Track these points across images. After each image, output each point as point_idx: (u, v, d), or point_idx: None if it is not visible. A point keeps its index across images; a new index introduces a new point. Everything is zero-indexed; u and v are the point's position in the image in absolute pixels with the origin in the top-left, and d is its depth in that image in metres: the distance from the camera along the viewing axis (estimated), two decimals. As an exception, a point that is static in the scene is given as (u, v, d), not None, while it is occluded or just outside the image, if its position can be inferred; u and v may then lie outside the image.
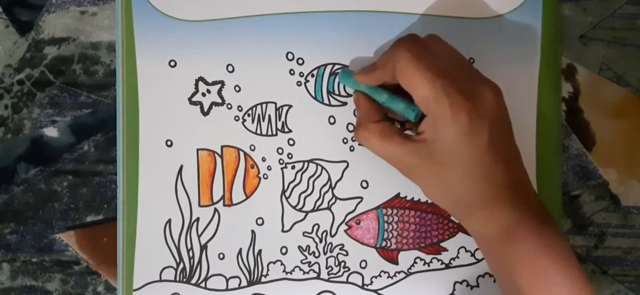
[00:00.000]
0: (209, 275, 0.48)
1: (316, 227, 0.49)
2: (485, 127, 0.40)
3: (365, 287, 0.49)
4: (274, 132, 0.48)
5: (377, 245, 0.49)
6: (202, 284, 0.48)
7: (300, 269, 0.49)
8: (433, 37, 0.44)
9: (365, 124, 0.44)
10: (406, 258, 0.49)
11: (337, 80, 0.48)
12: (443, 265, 0.49)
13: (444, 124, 0.40)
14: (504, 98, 0.44)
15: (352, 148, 0.48)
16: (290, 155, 0.48)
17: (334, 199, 0.49)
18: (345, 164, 0.48)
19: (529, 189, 0.42)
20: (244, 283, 0.49)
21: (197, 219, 0.48)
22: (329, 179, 0.48)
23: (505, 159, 0.41)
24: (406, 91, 0.42)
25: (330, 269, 0.49)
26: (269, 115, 0.48)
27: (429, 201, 0.49)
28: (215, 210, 0.48)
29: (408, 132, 0.45)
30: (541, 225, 0.41)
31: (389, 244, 0.49)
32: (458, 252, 0.49)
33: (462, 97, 0.40)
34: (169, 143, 0.48)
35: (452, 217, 0.49)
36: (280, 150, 0.48)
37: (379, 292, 0.49)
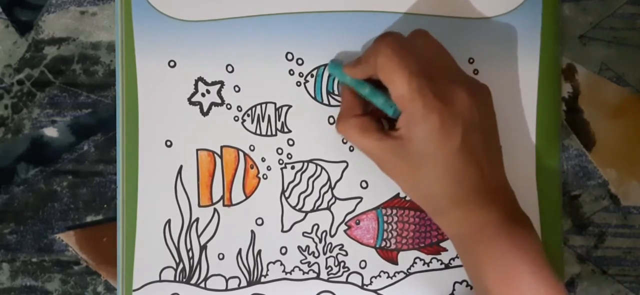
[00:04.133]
0: (208, 275, 0.48)
1: (316, 227, 0.49)
2: (457, 129, 0.40)
3: (364, 287, 0.49)
4: (274, 133, 0.48)
5: (377, 246, 0.49)
6: (202, 284, 0.48)
7: (300, 269, 0.49)
8: (420, 33, 0.44)
9: (345, 117, 0.44)
10: (406, 258, 0.49)
11: (336, 80, 0.48)
12: (443, 266, 0.49)
13: (417, 123, 0.40)
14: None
15: (351, 148, 0.48)
16: (289, 156, 0.48)
17: (333, 199, 0.49)
18: (345, 164, 0.48)
19: (504, 191, 0.43)
20: (244, 283, 0.49)
21: (197, 219, 0.48)
22: (329, 179, 0.48)
23: (479, 162, 0.41)
24: None
25: (329, 269, 0.49)
26: (269, 116, 0.48)
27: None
28: (215, 210, 0.48)
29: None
30: (513, 227, 0.41)
31: (388, 244, 0.49)
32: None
33: (436, 98, 0.40)
34: (168, 143, 0.48)
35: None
36: (279, 151, 0.48)
37: (378, 292, 0.49)
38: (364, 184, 0.49)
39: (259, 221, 0.49)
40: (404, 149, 0.41)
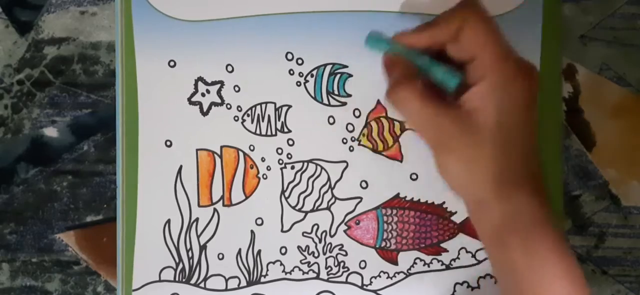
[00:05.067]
0: (208, 275, 0.48)
1: (315, 227, 0.49)
2: (536, 104, 0.40)
3: (364, 287, 0.49)
4: (274, 132, 0.48)
5: (377, 246, 0.49)
6: (202, 284, 0.48)
7: (300, 269, 0.49)
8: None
9: (405, 83, 0.40)
10: (406, 258, 0.49)
11: (337, 80, 0.48)
12: (443, 266, 0.49)
13: (505, 90, 0.38)
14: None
15: (351, 148, 0.48)
16: (289, 156, 0.48)
17: (333, 199, 0.49)
18: (345, 164, 0.48)
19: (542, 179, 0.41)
20: (244, 283, 0.49)
21: (197, 219, 0.48)
22: (329, 179, 0.48)
23: (538, 144, 0.40)
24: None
25: (329, 269, 0.49)
26: (269, 116, 0.48)
27: (429, 201, 0.49)
28: (215, 210, 0.48)
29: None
30: (550, 216, 0.40)
31: (388, 244, 0.49)
32: (458, 253, 0.49)
33: (526, 69, 0.39)
34: (168, 143, 0.48)
35: (452, 218, 0.49)
36: (279, 151, 0.48)
37: (378, 292, 0.49)
38: (363, 184, 0.49)
39: (259, 221, 0.48)
40: (473, 121, 0.39)
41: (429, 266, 0.49)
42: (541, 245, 0.39)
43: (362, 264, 0.49)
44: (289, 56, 0.48)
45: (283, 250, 0.49)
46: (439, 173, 0.41)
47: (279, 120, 0.48)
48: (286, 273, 0.49)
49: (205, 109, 0.48)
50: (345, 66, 0.48)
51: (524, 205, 0.40)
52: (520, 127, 0.39)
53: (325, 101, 0.48)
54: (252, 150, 0.48)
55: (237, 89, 0.48)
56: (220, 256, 0.48)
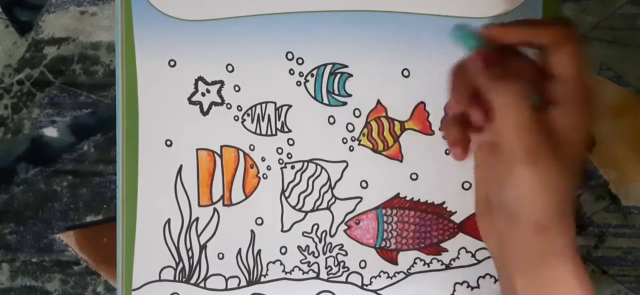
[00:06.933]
0: (208, 275, 0.48)
1: (315, 227, 0.49)
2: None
3: (364, 287, 0.49)
4: (274, 132, 0.48)
5: (377, 246, 0.49)
6: (202, 284, 0.48)
7: (300, 269, 0.49)
8: None
9: (515, 79, 0.38)
10: (406, 258, 0.49)
11: (337, 80, 0.48)
12: (443, 266, 0.49)
13: (585, 113, 0.38)
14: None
15: (351, 148, 0.48)
16: (289, 155, 0.48)
17: (333, 199, 0.49)
18: (345, 163, 0.48)
19: None
20: (244, 283, 0.49)
21: (197, 219, 0.48)
22: (329, 178, 0.48)
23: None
24: None
25: (329, 269, 0.49)
26: (269, 115, 0.48)
27: (429, 201, 0.49)
28: (215, 210, 0.48)
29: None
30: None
31: (388, 244, 0.49)
32: (458, 253, 0.49)
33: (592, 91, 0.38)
34: (168, 143, 0.48)
35: (452, 217, 0.49)
36: (279, 150, 0.48)
37: (378, 292, 0.49)
38: (363, 184, 0.49)
39: (259, 221, 0.48)
40: (559, 135, 0.38)
41: (428, 266, 0.49)
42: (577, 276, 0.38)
43: (362, 264, 0.49)
44: (289, 56, 0.48)
45: (283, 250, 0.49)
46: (506, 190, 0.39)
47: (279, 119, 0.48)
48: (286, 273, 0.49)
49: (205, 109, 0.48)
50: (346, 66, 0.48)
51: (564, 234, 0.38)
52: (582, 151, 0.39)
53: (326, 101, 0.48)
54: (252, 150, 0.48)
55: (237, 88, 0.48)
56: (220, 256, 0.48)
